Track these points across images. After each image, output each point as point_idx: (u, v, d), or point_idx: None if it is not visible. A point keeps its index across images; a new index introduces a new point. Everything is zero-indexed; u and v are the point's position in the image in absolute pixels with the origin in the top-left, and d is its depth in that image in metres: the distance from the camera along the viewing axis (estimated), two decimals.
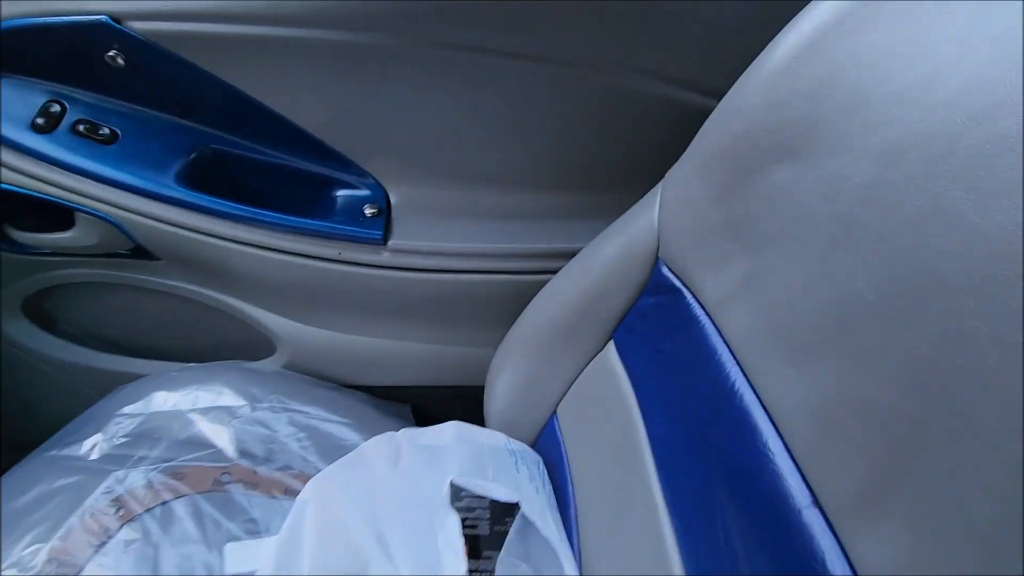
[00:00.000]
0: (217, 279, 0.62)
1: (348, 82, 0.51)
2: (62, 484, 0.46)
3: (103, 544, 0.43)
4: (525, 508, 0.36)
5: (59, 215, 0.56)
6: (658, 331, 0.40)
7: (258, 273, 0.58)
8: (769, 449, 0.26)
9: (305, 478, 0.48)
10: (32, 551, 0.41)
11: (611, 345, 0.44)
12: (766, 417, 0.27)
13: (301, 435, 0.56)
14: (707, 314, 0.35)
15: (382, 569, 0.33)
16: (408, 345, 0.64)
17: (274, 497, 0.50)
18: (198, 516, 0.47)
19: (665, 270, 0.40)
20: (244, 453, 0.52)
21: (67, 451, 0.50)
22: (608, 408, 0.41)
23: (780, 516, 0.24)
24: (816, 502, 0.23)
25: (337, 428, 0.58)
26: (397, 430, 0.61)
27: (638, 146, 0.55)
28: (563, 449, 0.45)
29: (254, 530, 0.48)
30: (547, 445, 0.47)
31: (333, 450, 0.55)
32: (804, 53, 0.31)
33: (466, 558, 0.32)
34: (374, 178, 0.59)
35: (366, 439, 0.57)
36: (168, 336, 0.68)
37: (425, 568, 0.32)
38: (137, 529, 0.44)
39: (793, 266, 0.29)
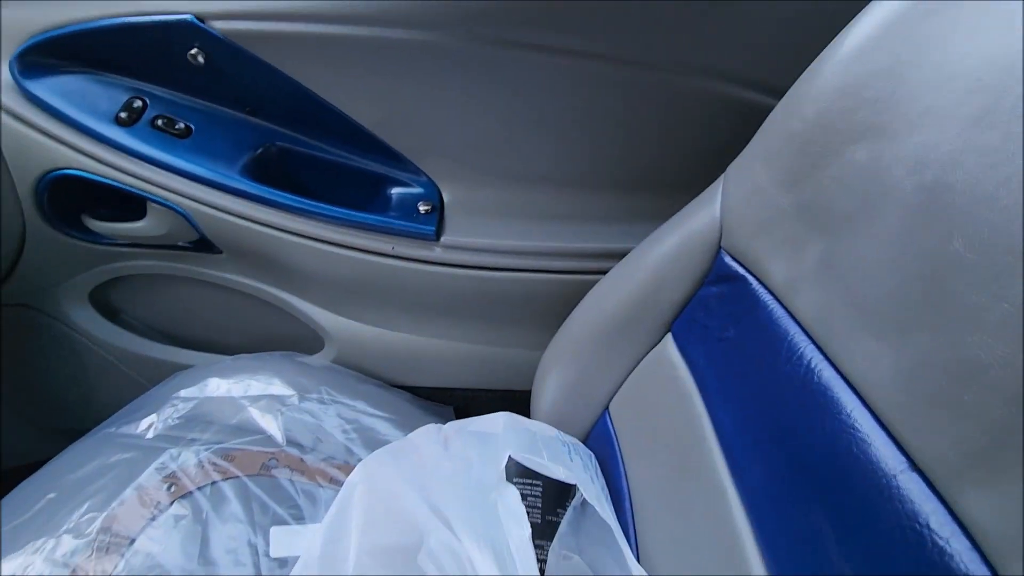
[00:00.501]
0: (273, 273, 0.63)
1: (406, 81, 0.52)
2: (118, 459, 0.47)
3: (154, 518, 0.43)
4: (583, 490, 0.35)
5: (133, 206, 0.58)
6: (722, 319, 0.38)
7: (312, 266, 0.60)
8: (855, 421, 0.25)
9: (349, 469, 0.48)
10: (88, 519, 0.42)
11: (669, 338, 0.43)
12: (849, 390, 0.26)
13: (347, 427, 0.56)
14: (775, 298, 0.34)
15: (442, 538, 0.32)
16: (455, 346, 0.64)
17: (319, 486, 0.50)
18: (245, 498, 0.47)
19: (728, 259, 0.39)
20: (291, 441, 0.52)
21: (124, 429, 0.51)
22: (667, 401, 0.40)
23: (872, 484, 0.23)
24: (913, 466, 0.22)
25: (382, 424, 0.58)
26: None
27: (698, 147, 0.54)
28: (616, 446, 0.44)
29: (298, 516, 0.47)
30: (599, 443, 0.46)
31: (377, 444, 0.55)
32: (879, 36, 0.31)
33: (529, 524, 0.31)
34: (428, 176, 0.60)
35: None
36: (223, 329, 0.70)
37: (487, 537, 0.31)
38: (187, 506, 0.45)
39: (875, 242, 0.28)
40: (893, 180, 0.28)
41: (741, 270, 0.37)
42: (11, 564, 0.39)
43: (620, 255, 0.53)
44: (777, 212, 0.35)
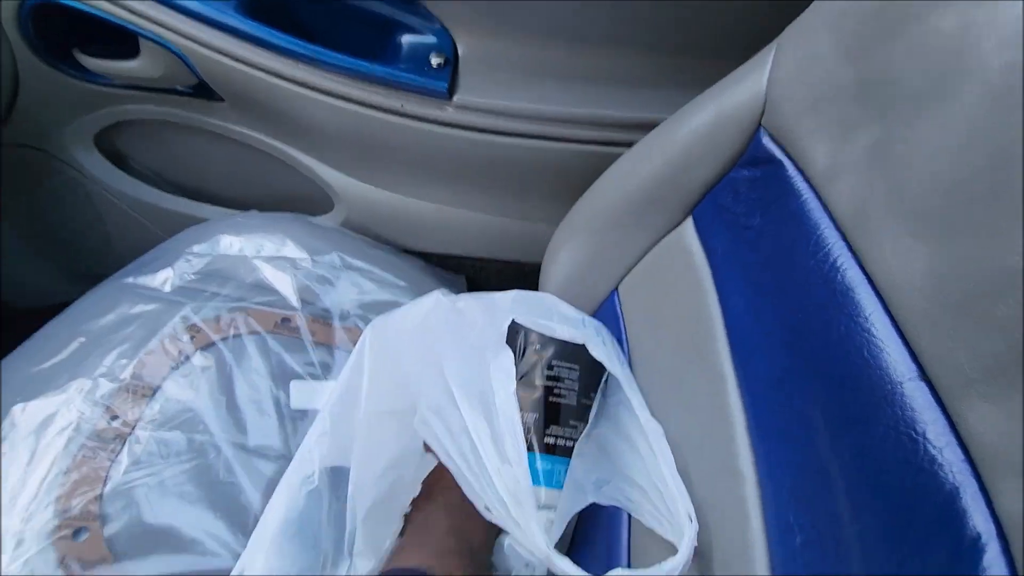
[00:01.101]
0: (278, 126, 0.60)
1: None
2: (141, 310, 0.49)
3: (178, 367, 0.46)
4: (591, 349, 0.36)
5: (125, 44, 0.54)
6: (749, 206, 0.36)
7: (318, 120, 0.56)
8: (872, 324, 0.24)
9: (358, 333, 0.50)
10: (120, 364, 0.44)
11: (688, 222, 0.41)
12: (871, 291, 0.25)
13: (359, 292, 0.57)
14: (811, 187, 0.32)
15: (435, 401, 0.34)
16: (467, 214, 0.62)
17: (335, 347, 0.52)
18: (265, 352, 0.49)
19: (767, 140, 0.35)
20: (305, 303, 0.54)
21: (141, 280, 0.53)
22: (679, 286, 0.39)
23: (876, 388, 0.23)
24: (923, 375, 0.22)
25: (394, 290, 0.58)
26: None
27: (750, 4, 0.47)
28: (622, 326, 0.44)
29: (314, 374, 0.50)
30: (604, 322, 0.46)
31: (389, 308, 0.56)
32: None
33: (516, 385, 0.33)
34: (441, 23, 0.54)
35: None
36: (231, 183, 0.69)
37: (479, 397, 0.33)
38: (210, 357, 0.47)
39: (941, 128, 0.25)
40: (979, 55, 0.24)
41: (779, 153, 0.34)
42: (55, 400, 0.42)
43: (648, 126, 0.49)
44: (833, 87, 0.31)
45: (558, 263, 0.50)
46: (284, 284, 0.54)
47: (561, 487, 0.35)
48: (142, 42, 0.53)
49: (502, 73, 0.53)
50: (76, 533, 0.36)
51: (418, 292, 0.61)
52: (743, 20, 0.48)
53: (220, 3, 0.50)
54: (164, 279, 0.53)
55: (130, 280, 0.53)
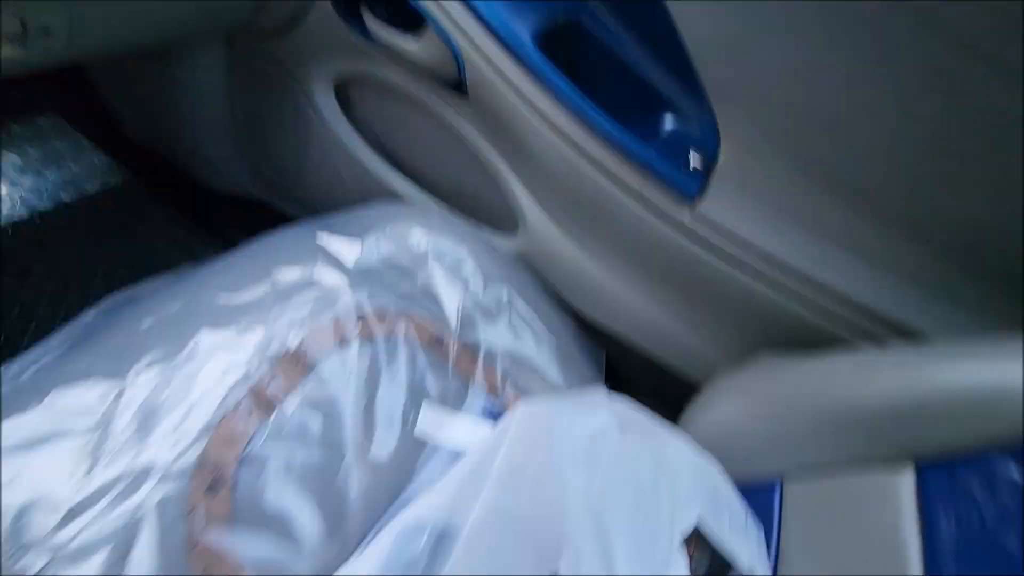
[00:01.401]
0: (505, 142, 0.59)
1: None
2: (324, 279, 0.50)
3: (339, 351, 0.47)
4: None
5: (413, 21, 0.55)
6: (996, 512, 0.31)
7: (546, 160, 0.55)
8: None
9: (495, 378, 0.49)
10: (295, 329, 0.46)
11: (910, 474, 0.36)
12: None
13: (513, 337, 0.56)
14: None
15: (589, 551, 0.32)
16: (644, 300, 0.59)
17: (471, 383, 0.52)
18: (412, 364, 0.50)
19: None
20: (462, 328, 0.53)
21: (333, 244, 0.54)
22: (872, 538, 0.35)
23: None
24: None
25: (541, 347, 0.57)
26: (589, 372, 0.59)
27: None
28: (777, 527, 0.41)
29: (447, 404, 0.50)
30: (754, 508, 0.43)
31: (530, 367, 0.55)
32: None
33: None
34: (714, 121, 0.50)
35: (561, 369, 0.57)
36: (432, 167, 0.70)
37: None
38: (367, 351, 0.48)
39: None
40: None
41: None
42: (235, 340, 0.44)
43: (890, 323, 0.45)
44: None
45: (726, 415, 0.47)
46: (451, 302, 0.54)
47: None
48: (428, 28, 0.53)
49: (758, 201, 0.49)
50: (212, 486, 0.38)
51: (560, 351, 0.60)
52: None
53: (518, 27, 0.49)
54: (353, 252, 0.54)
55: (323, 238, 0.55)
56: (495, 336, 0.55)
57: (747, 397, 0.46)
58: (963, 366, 0.36)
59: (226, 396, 0.41)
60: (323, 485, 0.42)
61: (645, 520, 0.33)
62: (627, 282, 0.59)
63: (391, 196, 0.68)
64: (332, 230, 0.56)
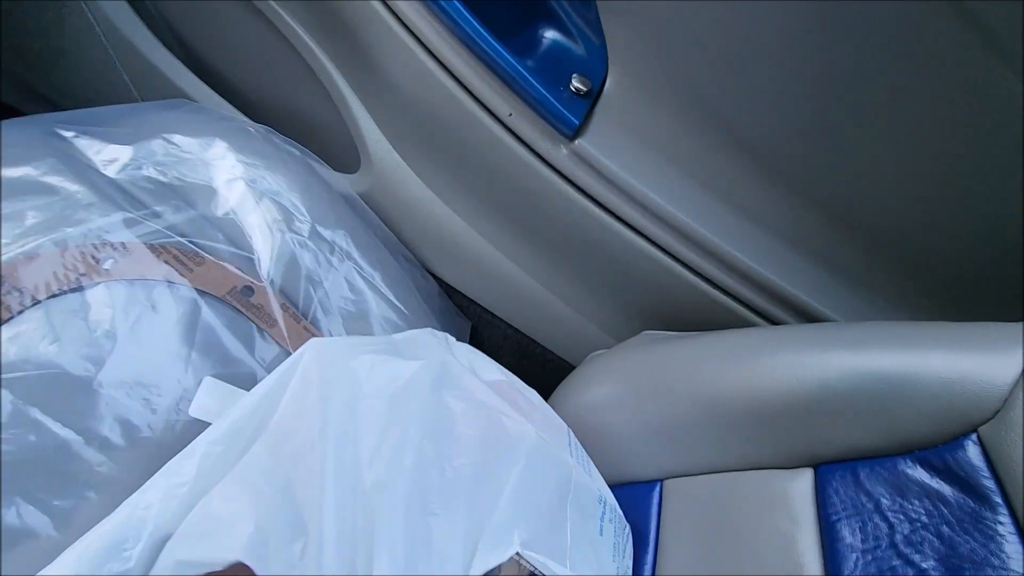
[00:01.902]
0: (346, 51, 0.47)
1: None
2: (62, 187, 0.34)
3: (61, 294, 0.31)
4: None
5: None
6: (908, 518, 0.26)
7: (394, 71, 0.44)
8: None
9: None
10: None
11: (807, 474, 0.31)
12: None
13: (348, 290, 0.44)
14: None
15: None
16: (514, 269, 0.50)
17: (284, 349, 0.39)
18: (193, 321, 0.35)
19: (974, 452, 0.26)
20: (279, 277, 0.40)
21: (83, 143, 0.38)
22: (762, 536, 0.29)
23: None
24: None
25: (387, 310, 0.46)
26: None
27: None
28: (655, 526, 0.34)
29: (244, 372, 0.37)
30: (631, 507, 0.35)
31: (368, 334, 0.44)
32: None
33: None
34: (605, 42, 0.41)
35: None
36: (249, 83, 0.54)
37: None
38: (111, 299, 0.33)
39: None
40: None
41: (990, 480, 0.25)
42: None
43: (796, 308, 0.40)
44: None
45: (600, 402, 0.39)
46: (264, 243, 0.41)
47: None
48: None
49: (648, 147, 0.42)
50: None
51: (413, 324, 0.49)
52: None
53: None
54: (113, 158, 0.38)
55: (70, 135, 0.38)
56: (322, 293, 0.42)
57: (625, 383, 0.39)
58: (871, 354, 0.31)
59: None
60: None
61: (434, 523, 0.24)
62: (490, 236, 0.49)
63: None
64: (89, 122, 0.39)
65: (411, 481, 0.25)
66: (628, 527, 0.33)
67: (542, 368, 0.54)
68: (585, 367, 0.43)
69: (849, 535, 0.27)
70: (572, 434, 0.37)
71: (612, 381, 0.39)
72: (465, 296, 0.54)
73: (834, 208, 0.39)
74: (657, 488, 0.35)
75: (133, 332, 0.32)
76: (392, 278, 0.47)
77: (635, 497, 0.35)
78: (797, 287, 0.40)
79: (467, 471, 0.27)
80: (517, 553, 0.24)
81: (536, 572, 0.25)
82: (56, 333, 0.30)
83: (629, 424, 0.36)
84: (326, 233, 0.44)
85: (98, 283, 0.33)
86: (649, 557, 0.32)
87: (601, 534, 0.30)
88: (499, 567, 0.26)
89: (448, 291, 0.55)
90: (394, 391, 0.28)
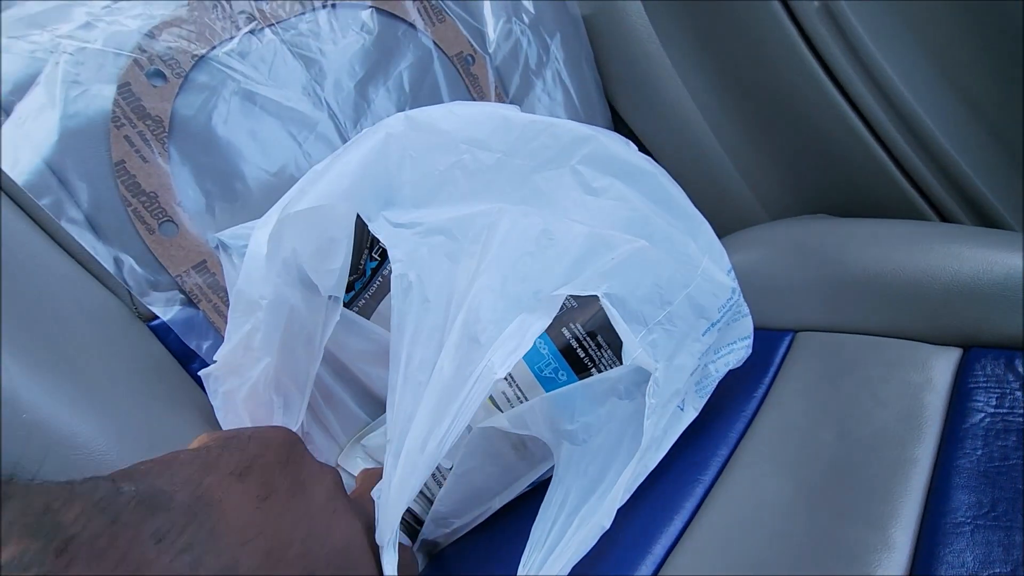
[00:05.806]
0: None
1: None
2: None
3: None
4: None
5: None
6: None
7: None
8: None
9: None
10: None
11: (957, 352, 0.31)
12: None
13: (543, 102, 0.46)
14: None
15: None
16: (703, 128, 0.49)
17: None
18: (424, 70, 0.40)
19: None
20: (499, 57, 0.43)
21: None
22: (888, 400, 0.30)
23: None
24: None
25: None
26: None
27: None
28: (774, 371, 0.35)
29: None
30: (755, 350, 0.37)
31: None
32: None
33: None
34: None
35: None
36: None
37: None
38: (367, 35, 0.38)
39: None
40: None
41: None
42: None
43: (980, 211, 0.38)
44: None
45: (756, 256, 0.40)
46: (493, 23, 0.44)
47: None
48: None
49: (897, 11, 0.39)
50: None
51: None
52: None
53: None
54: None
55: None
56: (526, 86, 0.45)
57: (789, 241, 0.39)
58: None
59: None
60: None
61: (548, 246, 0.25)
62: (694, 88, 0.48)
63: None
64: None
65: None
66: (747, 355, 0.33)
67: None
68: (753, 230, 0.43)
69: (983, 399, 0.27)
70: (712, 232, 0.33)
71: (773, 241, 0.40)
72: (640, 142, 0.55)
73: None
74: (788, 337, 0.36)
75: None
76: (584, 100, 0.49)
77: (761, 341, 0.37)
78: (995, 193, 0.38)
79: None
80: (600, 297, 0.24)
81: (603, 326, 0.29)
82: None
83: (782, 274, 0.38)
84: (544, 31, 0.46)
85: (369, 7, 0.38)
86: (753, 404, 0.33)
87: (703, 335, 0.29)
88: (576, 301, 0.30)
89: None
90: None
